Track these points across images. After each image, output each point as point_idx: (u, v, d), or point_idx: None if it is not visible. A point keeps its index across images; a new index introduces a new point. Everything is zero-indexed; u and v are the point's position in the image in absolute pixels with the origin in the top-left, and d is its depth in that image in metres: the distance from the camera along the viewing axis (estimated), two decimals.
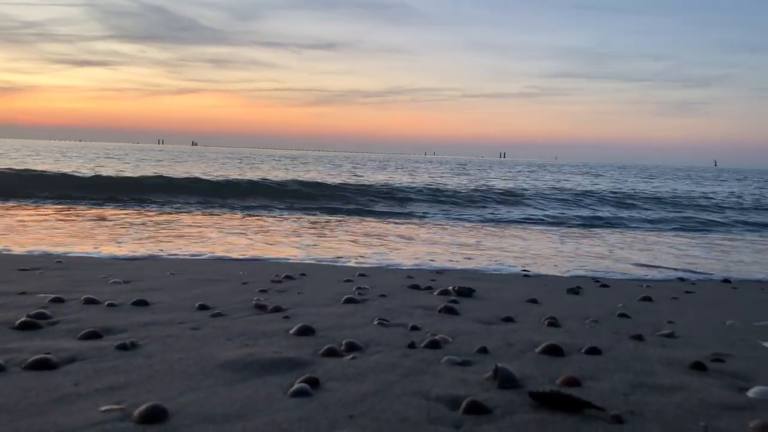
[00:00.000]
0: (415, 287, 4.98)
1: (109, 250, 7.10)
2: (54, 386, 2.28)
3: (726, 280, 6.66)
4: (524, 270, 6.78)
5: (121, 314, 3.56)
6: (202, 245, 7.85)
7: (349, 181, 21.25)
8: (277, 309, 3.85)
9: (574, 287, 5.34)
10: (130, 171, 22.04)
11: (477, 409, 2.18)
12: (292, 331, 3.26)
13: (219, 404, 2.17)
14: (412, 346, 3.06)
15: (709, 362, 2.99)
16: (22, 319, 3.21)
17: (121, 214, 11.87)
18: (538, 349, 3.09)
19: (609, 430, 2.06)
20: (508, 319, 3.87)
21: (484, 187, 21.44)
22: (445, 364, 2.78)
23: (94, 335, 3.03)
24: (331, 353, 2.86)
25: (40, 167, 20.47)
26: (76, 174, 18.44)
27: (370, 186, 19.33)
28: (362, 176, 26.96)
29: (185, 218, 11.51)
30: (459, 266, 6.98)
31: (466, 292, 4.72)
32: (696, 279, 6.75)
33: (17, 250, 6.72)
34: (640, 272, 7.11)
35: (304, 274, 5.50)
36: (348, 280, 5.25)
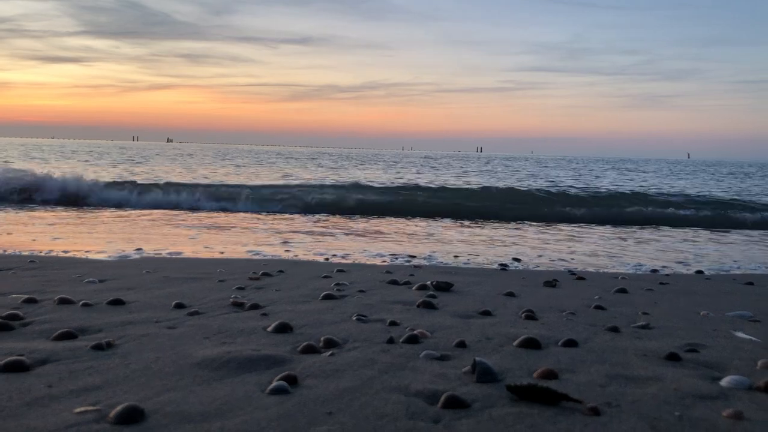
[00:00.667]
0: (394, 282, 4.98)
1: (84, 249, 7.01)
2: (27, 388, 2.24)
3: (699, 272, 6.75)
4: (502, 264, 6.82)
5: (96, 314, 3.52)
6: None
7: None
8: (254, 306, 3.83)
9: (551, 280, 5.38)
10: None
11: (455, 403, 2.19)
12: (269, 329, 3.24)
13: (196, 403, 2.15)
14: (390, 341, 3.07)
15: (684, 353, 3.04)
16: None
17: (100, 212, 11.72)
18: (515, 343, 3.11)
19: (586, 422, 2.08)
20: (486, 313, 3.90)
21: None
22: (424, 359, 2.78)
23: (68, 336, 2.99)
24: (310, 350, 2.85)
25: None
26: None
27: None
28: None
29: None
30: (438, 261, 7.00)
31: (444, 287, 4.74)
32: (670, 271, 6.85)
33: None
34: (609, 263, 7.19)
35: (282, 271, 5.47)
36: (326, 276, 5.24)
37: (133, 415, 1.97)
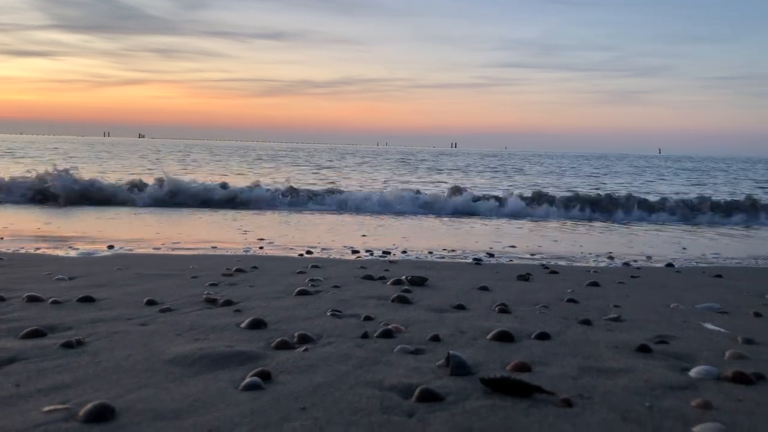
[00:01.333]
0: (369, 277, 4.98)
1: (54, 246, 6.90)
2: None
3: (670, 265, 6.86)
4: (476, 258, 6.85)
5: (65, 311, 3.46)
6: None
7: None
8: (228, 302, 3.80)
9: (524, 274, 5.43)
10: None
11: (429, 396, 2.20)
12: (243, 325, 3.22)
13: (169, 400, 2.13)
14: (365, 336, 3.06)
15: (654, 344, 3.08)
16: None
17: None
18: (489, 336, 3.12)
19: (558, 413, 2.10)
20: (460, 307, 3.91)
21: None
22: (398, 353, 2.79)
23: (37, 334, 2.94)
24: (284, 346, 2.84)
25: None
26: None
27: None
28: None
29: None
30: (413, 256, 7.02)
31: (418, 281, 4.75)
32: (641, 264, 6.94)
33: None
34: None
35: (255, 267, 5.44)
36: (301, 272, 5.22)
37: (103, 413, 1.94)
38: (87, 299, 3.77)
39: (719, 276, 5.93)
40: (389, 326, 3.22)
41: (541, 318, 3.67)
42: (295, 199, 14.15)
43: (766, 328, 3.60)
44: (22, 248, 6.59)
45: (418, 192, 14.96)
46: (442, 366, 2.58)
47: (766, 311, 4.15)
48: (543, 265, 6.47)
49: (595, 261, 7.11)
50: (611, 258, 7.37)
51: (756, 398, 2.31)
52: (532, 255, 7.48)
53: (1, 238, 7.37)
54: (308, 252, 7.00)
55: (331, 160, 40.98)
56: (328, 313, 3.56)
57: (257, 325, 3.21)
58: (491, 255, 7.27)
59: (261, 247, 7.39)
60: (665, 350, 2.99)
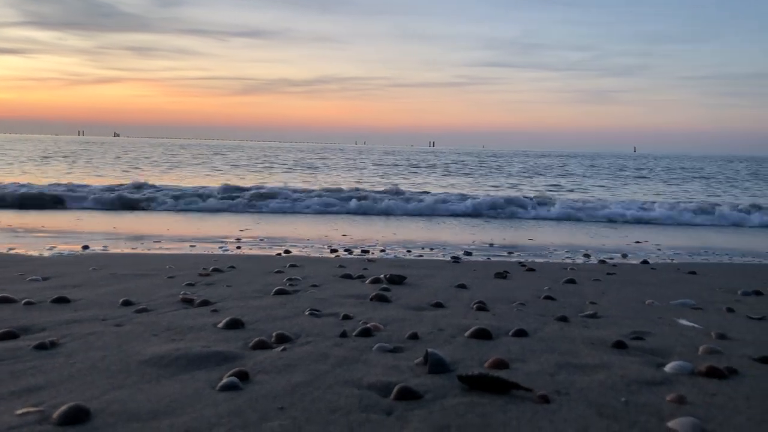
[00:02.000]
0: (347, 276, 4.97)
1: (26, 245, 6.79)
2: None
3: (645, 261, 6.94)
4: (454, 257, 6.87)
5: (39, 312, 3.41)
6: None
7: None
8: (205, 302, 3.77)
9: (502, 272, 5.46)
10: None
11: (408, 394, 2.20)
12: (220, 325, 3.19)
13: (145, 401, 2.11)
14: (344, 335, 3.06)
15: (630, 340, 3.12)
16: None
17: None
18: (467, 333, 3.14)
19: (536, 409, 2.12)
20: (438, 305, 3.92)
21: None
22: (377, 352, 2.79)
23: (9, 335, 2.89)
24: (261, 346, 2.83)
25: None
26: None
27: None
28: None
29: None
30: (392, 254, 7.02)
31: (397, 280, 4.75)
32: (617, 261, 7.01)
33: None
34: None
35: (233, 267, 5.40)
36: (279, 272, 5.20)
37: (77, 415, 1.92)
38: (61, 300, 3.72)
39: (693, 273, 6.01)
40: (368, 325, 3.22)
41: (518, 315, 3.69)
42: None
43: (738, 324, 3.66)
44: None
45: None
46: (420, 364, 2.58)
47: (739, 307, 4.22)
48: (520, 262, 6.51)
49: (571, 258, 7.17)
50: (587, 256, 7.43)
51: (729, 392, 2.34)
52: (510, 253, 7.52)
53: None
54: (286, 251, 6.98)
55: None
56: (307, 313, 3.55)
57: (234, 325, 3.19)
58: (469, 253, 7.29)
59: (238, 247, 7.35)
60: (641, 346, 3.03)
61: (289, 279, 4.76)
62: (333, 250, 7.21)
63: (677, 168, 43.32)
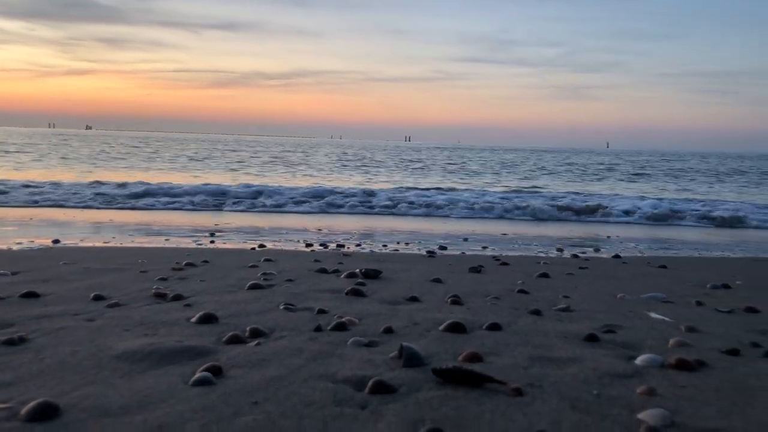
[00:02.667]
0: (323, 271, 4.96)
1: None
2: None
3: (617, 256, 7.03)
4: (429, 251, 6.89)
5: (7, 308, 3.35)
6: None
7: None
8: (178, 297, 3.74)
9: (476, 266, 5.49)
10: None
11: (382, 388, 2.20)
12: (193, 320, 3.17)
13: (117, 397, 2.08)
14: (318, 329, 3.05)
15: (602, 333, 3.16)
16: None
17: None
18: (441, 327, 3.15)
19: (510, 402, 2.14)
20: (413, 299, 3.93)
21: None
22: (352, 346, 2.78)
23: None
24: (235, 340, 2.81)
25: None
26: None
27: None
28: None
29: None
30: (366, 249, 7.02)
31: (372, 274, 4.75)
32: (590, 255, 7.09)
33: None
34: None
35: (206, 261, 5.36)
36: (253, 266, 5.17)
37: (46, 411, 1.89)
38: (31, 295, 3.66)
39: (664, 267, 6.10)
40: (343, 319, 3.22)
41: (492, 309, 3.72)
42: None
43: (707, 317, 3.72)
44: None
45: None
46: (395, 358, 2.59)
47: (708, 300, 4.29)
48: (494, 257, 6.55)
49: (544, 252, 7.24)
50: (560, 250, 7.50)
51: (698, 384, 2.39)
52: (484, 247, 7.56)
53: None
54: (261, 246, 6.94)
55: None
56: (281, 307, 3.53)
57: (208, 319, 3.17)
58: (443, 248, 7.32)
59: (212, 241, 7.29)
60: (612, 339, 3.07)
61: (264, 273, 4.73)
62: (308, 245, 7.19)
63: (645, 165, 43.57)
